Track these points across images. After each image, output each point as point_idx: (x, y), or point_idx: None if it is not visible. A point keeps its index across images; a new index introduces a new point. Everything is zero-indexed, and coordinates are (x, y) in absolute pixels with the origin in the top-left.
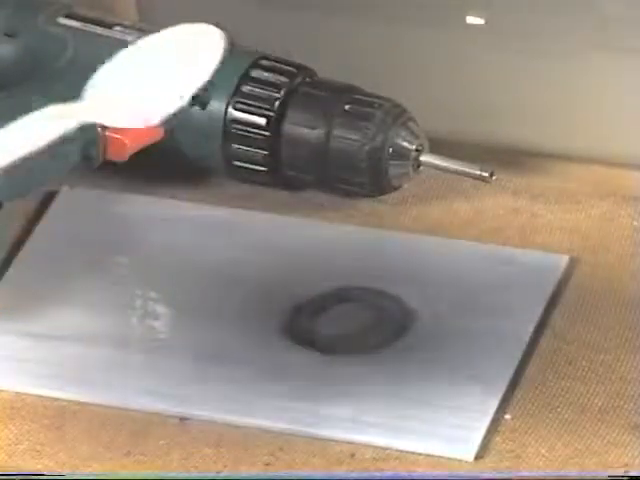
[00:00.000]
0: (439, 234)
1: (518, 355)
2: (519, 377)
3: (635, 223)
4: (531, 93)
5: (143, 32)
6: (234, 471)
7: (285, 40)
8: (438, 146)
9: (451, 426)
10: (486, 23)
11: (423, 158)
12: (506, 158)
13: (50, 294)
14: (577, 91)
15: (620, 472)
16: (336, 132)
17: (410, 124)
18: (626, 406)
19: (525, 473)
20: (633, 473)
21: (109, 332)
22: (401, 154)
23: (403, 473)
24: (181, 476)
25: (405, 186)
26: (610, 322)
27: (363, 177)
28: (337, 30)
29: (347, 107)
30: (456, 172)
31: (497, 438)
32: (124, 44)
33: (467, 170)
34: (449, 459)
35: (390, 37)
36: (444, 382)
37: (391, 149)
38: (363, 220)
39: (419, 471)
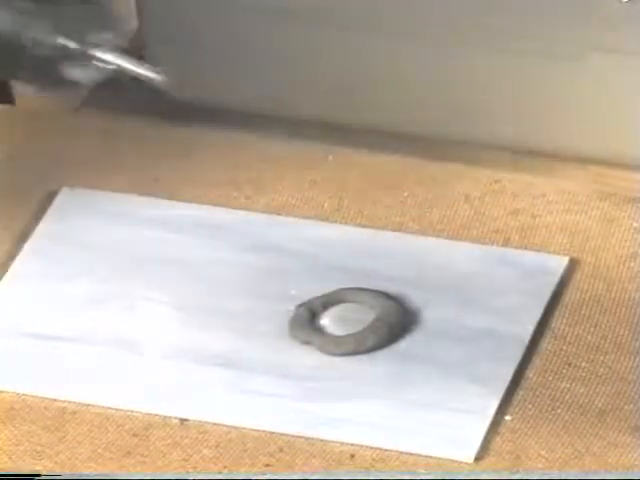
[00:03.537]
0: (439, 235)
1: (518, 356)
2: (519, 378)
3: (635, 224)
4: (531, 93)
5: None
6: (234, 471)
7: (282, 41)
8: (438, 146)
9: (451, 427)
10: (486, 24)
11: (100, 54)
12: (506, 158)
13: (50, 294)
14: (577, 92)
15: (623, 473)
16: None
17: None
18: (626, 407)
19: (525, 474)
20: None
21: (109, 332)
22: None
23: (403, 473)
24: (181, 476)
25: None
26: (610, 323)
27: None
28: (337, 31)
29: None
30: (130, 71)
31: (497, 439)
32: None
33: (140, 71)
34: (449, 460)
35: (390, 37)
36: (444, 383)
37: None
38: (363, 220)
39: (419, 471)
